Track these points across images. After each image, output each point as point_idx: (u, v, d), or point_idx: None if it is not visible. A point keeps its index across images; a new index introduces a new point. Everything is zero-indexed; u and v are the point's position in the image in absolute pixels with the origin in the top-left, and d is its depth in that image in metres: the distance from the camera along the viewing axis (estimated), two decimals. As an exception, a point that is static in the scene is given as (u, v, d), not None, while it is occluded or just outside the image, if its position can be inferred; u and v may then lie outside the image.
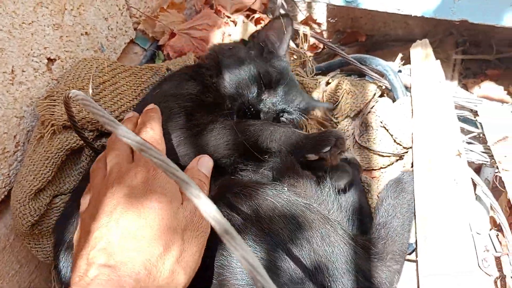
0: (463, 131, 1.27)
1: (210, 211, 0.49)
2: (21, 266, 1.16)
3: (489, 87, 1.72)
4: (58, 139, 1.07)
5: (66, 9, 1.18)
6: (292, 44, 1.63)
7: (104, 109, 1.10)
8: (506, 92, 1.70)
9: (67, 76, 1.14)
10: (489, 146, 1.14)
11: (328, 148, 0.92)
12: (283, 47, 1.26)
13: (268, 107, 1.15)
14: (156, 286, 0.63)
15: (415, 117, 1.19)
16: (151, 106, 0.94)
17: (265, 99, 1.16)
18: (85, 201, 0.83)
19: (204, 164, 0.88)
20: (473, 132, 1.25)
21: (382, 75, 1.37)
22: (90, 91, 1.05)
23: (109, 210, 0.69)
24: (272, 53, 1.25)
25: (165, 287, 0.65)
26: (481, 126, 1.21)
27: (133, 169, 0.75)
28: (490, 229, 1.13)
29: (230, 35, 1.49)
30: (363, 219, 1.05)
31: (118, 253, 0.63)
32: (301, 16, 1.91)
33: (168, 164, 0.53)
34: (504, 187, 1.04)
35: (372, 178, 1.21)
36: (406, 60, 1.48)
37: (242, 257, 0.47)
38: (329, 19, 1.97)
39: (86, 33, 1.27)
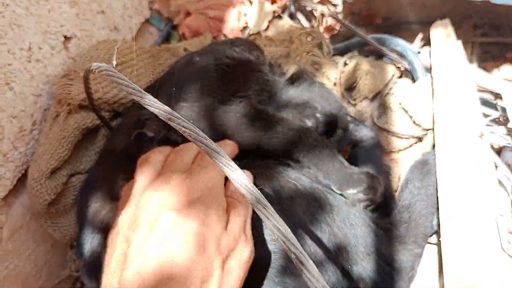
0: (483, 114, 1.25)
1: (241, 181, 0.48)
2: (37, 245, 1.16)
3: (509, 71, 1.68)
4: (74, 118, 1.06)
5: (82, -14, 1.16)
6: (307, 25, 1.61)
7: (121, 90, 1.11)
8: (526, 75, 1.66)
9: (86, 56, 1.13)
10: (511, 128, 1.12)
11: (354, 191, 0.89)
12: None
13: None
14: None
15: (436, 98, 1.17)
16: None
17: None
18: (125, 197, 0.74)
19: (228, 147, 0.87)
20: (491, 115, 1.23)
21: (401, 55, 1.34)
22: (114, 62, 1.04)
23: (151, 222, 0.61)
24: None
25: None
26: (503, 110, 1.18)
27: (187, 179, 0.67)
28: (511, 212, 1.12)
29: (246, 14, 1.47)
30: (387, 202, 1.04)
31: (152, 281, 0.55)
32: (317, -4, 1.88)
33: (197, 133, 0.52)
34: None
35: (391, 160, 1.20)
36: (425, 42, 1.45)
37: (275, 226, 0.46)
38: (346, 0, 1.93)
39: (102, 11, 1.25)
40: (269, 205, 0.47)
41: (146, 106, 0.54)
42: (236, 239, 0.66)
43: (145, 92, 0.55)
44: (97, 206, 0.90)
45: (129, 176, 0.87)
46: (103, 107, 1.09)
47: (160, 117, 0.54)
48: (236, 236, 0.66)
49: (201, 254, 0.59)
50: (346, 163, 0.92)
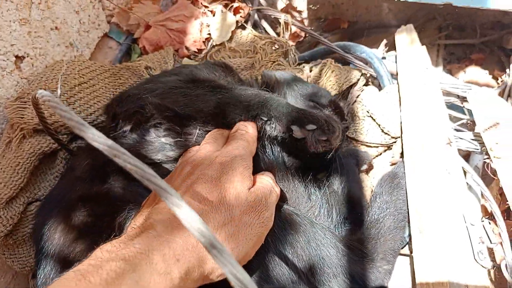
0: (451, 118, 1.24)
1: (193, 223, 0.44)
2: (-3, 276, 1.10)
3: (474, 72, 1.70)
4: (29, 143, 1.01)
5: (33, 2, 1.11)
6: (273, 33, 1.58)
7: (80, 112, 1.06)
8: (491, 76, 1.68)
9: (40, 77, 1.08)
10: (478, 132, 1.11)
11: (313, 127, 0.85)
12: None
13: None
14: (198, 255, 0.60)
15: (403, 105, 1.16)
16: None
17: None
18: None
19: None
20: (461, 119, 1.23)
21: (366, 62, 1.33)
22: (59, 91, 0.99)
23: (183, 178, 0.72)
24: None
25: (207, 261, 0.62)
26: (470, 112, 1.18)
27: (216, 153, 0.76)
28: (482, 218, 1.11)
29: (208, 25, 1.43)
30: (359, 213, 1.02)
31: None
32: (281, 4, 1.86)
33: (145, 171, 0.48)
34: (496, 175, 1.01)
35: (361, 170, 1.18)
36: (390, 47, 1.44)
37: (231, 273, 0.43)
38: (310, 6, 1.92)
39: (56, 27, 1.20)
40: (224, 249, 0.44)
41: (89, 141, 0.50)
42: (258, 199, 0.71)
43: (88, 126, 0.51)
44: (52, 235, 0.85)
45: (90, 201, 0.83)
46: (60, 130, 1.03)
47: (105, 153, 0.50)
48: (258, 196, 0.72)
49: (223, 202, 0.67)
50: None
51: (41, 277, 0.84)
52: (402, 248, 0.99)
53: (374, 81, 1.35)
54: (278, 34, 1.55)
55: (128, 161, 0.48)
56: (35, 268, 0.89)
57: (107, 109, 1.01)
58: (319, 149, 0.87)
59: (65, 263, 0.80)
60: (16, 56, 1.09)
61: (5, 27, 1.03)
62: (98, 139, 0.50)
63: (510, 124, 1.04)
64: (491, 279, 1.08)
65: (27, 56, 1.11)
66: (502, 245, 1.01)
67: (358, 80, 1.28)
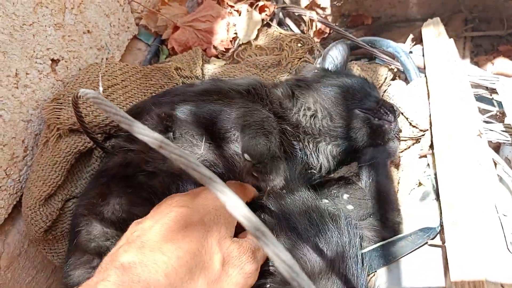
0: (480, 110, 1.23)
1: (239, 208, 0.46)
2: (37, 271, 1.14)
3: (502, 64, 1.67)
4: (65, 143, 1.05)
5: (66, 7, 1.15)
6: (297, 31, 1.59)
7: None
8: (520, 67, 1.65)
9: (76, 79, 1.13)
10: (509, 124, 1.10)
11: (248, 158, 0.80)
12: (342, 68, 1.25)
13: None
14: None
15: (431, 98, 1.16)
16: None
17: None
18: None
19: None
20: (490, 111, 1.22)
21: (393, 57, 1.33)
22: (101, 89, 1.03)
23: (159, 216, 0.69)
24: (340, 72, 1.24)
25: None
26: (500, 104, 1.17)
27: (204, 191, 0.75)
28: (515, 209, 1.10)
29: (235, 25, 1.45)
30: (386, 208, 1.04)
31: (148, 251, 0.61)
32: (305, 1, 1.87)
33: (189, 160, 0.50)
34: (526, 166, 1.01)
35: (390, 163, 1.18)
36: (416, 41, 1.44)
37: (275, 253, 0.44)
38: (334, 3, 1.92)
39: (88, 31, 1.24)
40: (268, 232, 0.46)
41: (135, 134, 0.52)
42: (242, 251, 0.70)
43: (133, 119, 0.53)
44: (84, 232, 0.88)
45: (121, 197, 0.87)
46: (94, 130, 1.07)
47: (151, 145, 0.52)
48: (243, 249, 0.70)
49: (202, 241, 0.65)
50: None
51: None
52: (433, 239, 0.99)
53: (401, 75, 1.35)
54: (302, 32, 1.56)
55: (174, 152, 0.50)
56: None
57: None
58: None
59: None
60: (52, 60, 1.12)
61: (41, 32, 1.07)
62: (143, 132, 0.53)
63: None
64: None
65: (62, 59, 1.15)
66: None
67: (386, 78, 1.29)
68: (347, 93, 1.09)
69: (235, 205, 0.45)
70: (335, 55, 1.23)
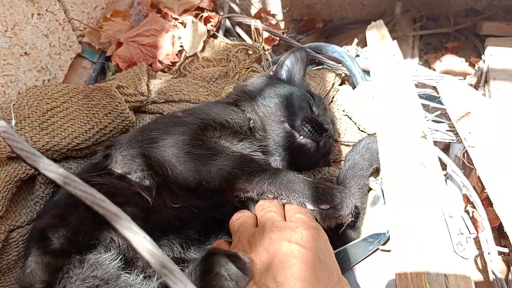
0: (428, 109, 1.24)
1: (144, 244, 0.44)
2: (-15, 306, 1.09)
3: (451, 60, 1.70)
4: (5, 172, 1.01)
5: (-1, 31, 1.11)
6: (248, 39, 1.58)
7: (54, 136, 1.06)
8: (467, 63, 1.68)
9: (12, 105, 1.08)
10: (451, 123, 1.11)
11: (327, 206, 0.86)
12: (300, 75, 1.21)
13: (325, 119, 1.09)
14: None
15: (377, 101, 1.16)
16: None
17: (319, 114, 1.11)
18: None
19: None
20: (438, 109, 1.23)
21: (339, 62, 1.33)
22: (13, 121, 0.99)
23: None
24: (293, 81, 1.20)
25: None
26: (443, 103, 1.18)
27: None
28: (465, 207, 1.12)
29: (180, 37, 1.43)
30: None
31: None
32: (254, 9, 1.86)
33: (95, 196, 0.48)
34: (473, 164, 1.02)
35: (340, 169, 1.18)
36: (363, 44, 1.45)
37: (183, 292, 0.43)
38: (284, 9, 1.92)
39: (25, 53, 1.20)
40: (175, 268, 0.44)
41: (41, 171, 0.50)
42: None
43: (41, 155, 0.51)
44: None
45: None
46: (35, 156, 1.03)
47: (56, 181, 0.50)
48: None
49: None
50: (314, 180, 0.91)
51: None
52: (384, 244, 0.99)
53: (350, 79, 1.36)
54: (254, 40, 1.55)
55: (79, 188, 0.48)
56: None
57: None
58: (329, 223, 0.89)
59: None
60: (-14, 85, 1.08)
61: (-28, 58, 1.03)
62: (49, 168, 0.50)
63: (481, 112, 1.04)
64: (478, 268, 1.09)
65: (-2, 85, 1.11)
66: (484, 233, 1.01)
67: (333, 84, 1.29)
68: (281, 105, 1.07)
69: (141, 241, 0.44)
70: (291, 63, 1.21)
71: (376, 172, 1.11)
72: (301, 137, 1.02)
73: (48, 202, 1.05)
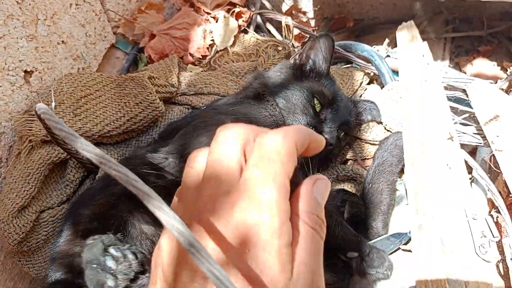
0: (456, 111, 1.23)
1: (173, 223, 0.46)
2: (15, 283, 1.14)
3: (482, 64, 1.68)
4: (38, 154, 1.05)
5: (39, 19, 1.15)
6: (278, 36, 1.60)
7: (86, 122, 1.10)
8: (499, 67, 1.66)
9: (49, 90, 1.12)
10: (479, 126, 1.10)
11: (356, 254, 0.88)
12: (326, 65, 1.18)
13: (330, 126, 1.09)
14: None
15: (404, 102, 1.16)
16: None
17: (326, 118, 1.10)
18: None
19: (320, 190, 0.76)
20: (467, 112, 1.22)
21: (368, 61, 1.33)
22: (53, 104, 1.03)
23: None
24: (320, 73, 1.18)
25: None
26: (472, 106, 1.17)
27: None
28: (490, 212, 1.11)
29: (211, 31, 1.45)
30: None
31: None
32: (285, 6, 1.87)
33: (128, 176, 0.50)
34: (499, 168, 1.01)
35: (366, 167, 1.18)
36: (393, 44, 1.44)
37: (209, 270, 0.44)
38: (315, 7, 1.93)
39: (62, 41, 1.24)
40: (203, 248, 0.45)
41: (79, 150, 0.52)
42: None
43: (78, 135, 0.54)
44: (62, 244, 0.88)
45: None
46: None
47: (93, 161, 0.52)
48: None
49: None
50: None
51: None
52: (406, 244, 0.99)
53: (378, 79, 1.36)
54: (284, 37, 1.56)
55: (113, 168, 0.50)
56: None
57: None
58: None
59: None
60: (25, 71, 1.13)
61: (12, 44, 1.07)
62: (86, 148, 0.53)
63: (510, 116, 1.03)
64: (499, 273, 1.07)
65: (36, 71, 1.16)
66: (508, 238, 1.00)
67: (361, 83, 1.29)
68: (292, 107, 1.08)
69: (171, 220, 0.46)
70: (314, 53, 1.19)
71: (402, 171, 1.11)
72: None
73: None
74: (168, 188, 0.87)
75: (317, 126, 1.06)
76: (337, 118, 1.11)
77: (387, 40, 1.41)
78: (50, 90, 1.10)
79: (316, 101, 1.09)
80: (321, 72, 1.18)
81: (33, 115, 1.06)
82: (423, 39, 1.34)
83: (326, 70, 1.18)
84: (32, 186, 1.03)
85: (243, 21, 1.51)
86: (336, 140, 1.09)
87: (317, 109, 1.09)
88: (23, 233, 1.01)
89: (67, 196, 1.13)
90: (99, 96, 1.15)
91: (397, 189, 1.11)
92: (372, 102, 1.23)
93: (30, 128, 1.04)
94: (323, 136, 1.02)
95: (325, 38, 1.18)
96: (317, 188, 0.53)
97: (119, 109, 1.15)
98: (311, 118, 1.07)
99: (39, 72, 1.17)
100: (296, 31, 1.56)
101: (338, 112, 1.12)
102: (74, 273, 0.81)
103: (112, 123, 1.12)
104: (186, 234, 0.45)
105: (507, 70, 1.62)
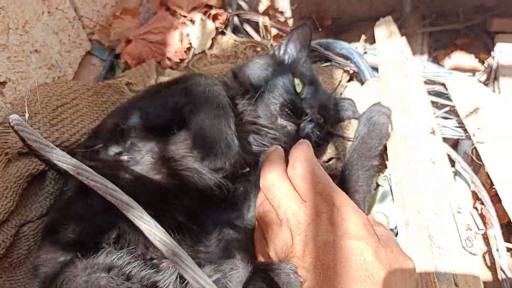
0: (437, 105, 1.24)
1: (155, 233, 0.45)
2: (-3, 301, 1.10)
3: (460, 57, 1.69)
4: (15, 167, 1.02)
5: (10, 28, 1.11)
6: (257, 37, 1.59)
7: (63, 132, 1.07)
8: (477, 60, 1.67)
9: (23, 101, 1.09)
10: (460, 119, 1.11)
11: None
12: (305, 52, 1.21)
13: (309, 103, 1.09)
14: None
15: (385, 98, 1.16)
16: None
17: (306, 97, 1.10)
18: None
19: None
20: (447, 106, 1.22)
21: (347, 58, 1.33)
22: (27, 115, 1.00)
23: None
24: (299, 59, 1.20)
25: None
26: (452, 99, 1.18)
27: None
28: (474, 204, 1.11)
29: (188, 34, 1.43)
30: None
31: None
32: (262, 6, 1.86)
33: (107, 186, 0.48)
34: (481, 160, 1.01)
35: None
36: (371, 40, 1.44)
37: (193, 278, 0.43)
38: (292, 6, 1.92)
39: (36, 50, 1.21)
40: (185, 256, 0.44)
41: (55, 161, 0.51)
42: (395, 251, 0.64)
43: (53, 146, 0.52)
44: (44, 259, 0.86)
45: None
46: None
47: (70, 172, 0.50)
48: (394, 249, 0.64)
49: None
50: None
51: None
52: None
53: (358, 76, 1.35)
54: (262, 37, 1.55)
55: (91, 178, 0.48)
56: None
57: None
58: None
59: None
60: (-2, 82, 1.10)
61: (-17, 55, 1.04)
62: (62, 159, 0.51)
63: (490, 108, 1.04)
64: (486, 265, 1.08)
65: (9, 81, 1.12)
66: (493, 229, 1.01)
67: (341, 81, 1.29)
68: (272, 89, 1.08)
69: (152, 230, 0.44)
70: (292, 43, 1.22)
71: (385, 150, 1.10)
72: (282, 119, 1.03)
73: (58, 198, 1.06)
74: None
75: (298, 103, 1.06)
76: (317, 98, 1.12)
77: (364, 37, 1.41)
78: (24, 101, 1.07)
79: (297, 81, 1.09)
80: (301, 59, 1.19)
81: (8, 127, 1.03)
82: (402, 35, 1.34)
83: (305, 56, 1.20)
84: (10, 200, 1.00)
85: (220, 23, 1.49)
86: (317, 125, 1.08)
87: (298, 90, 1.09)
88: (3, 249, 0.98)
89: (47, 208, 1.09)
90: (76, 105, 1.12)
91: (381, 185, 1.10)
92: (350, 99, 1.23)
93: (6, 140, 1.01)
94: (305, 111, 1.04)
95: (302, 28, 1.21)
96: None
97: (97, 117, 1.12)
98: (293, 96, 1.07)
99: (13, 83, 1.14)
100: (274, 31, 1.55)
101: (318, 93, 1.13)
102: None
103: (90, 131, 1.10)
104: (169, 243, 0.44)
105: (484, 63, 1.64)
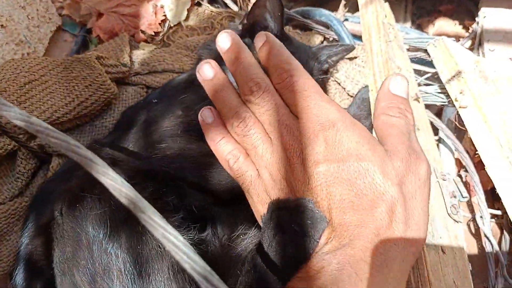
0: (421, 73, 1.21)
1: (121, 189, 0.41)
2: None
3: (444, 24, 1.66)
4: (-17, 147, 0.97)
5: (-29, 2, 1.06)
6: (234, 7, 1.54)
7: (32, 110, 1.02)
8: (461, 26, 1.65)
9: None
10: (442, 85, 1.09)
11: None
12: (277, 25, 1.06)
13: None
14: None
15: (367, 66, 1.13)
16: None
17: None
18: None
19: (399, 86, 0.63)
20: (429, 73, 1.20)
21: (327, 26, 1.30)
22: None
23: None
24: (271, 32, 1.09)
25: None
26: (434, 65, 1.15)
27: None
28: (458, 171, 1.10)
29: (162, 6, 1.38)
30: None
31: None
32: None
33: (69, 142, 0.44)
34: (465, 126, 0.99)
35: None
36: (357, 8, 1.41)
37: (163, 236, 0.39)
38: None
39: (2, 26, 1.15)
40: (156, 213, 0.41)
41: (11, 119, 0.46)
42: (405, 159, 0.55)
43: (10, 104, 0.47)
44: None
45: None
46: (14, 131, 0.99)
47: (28, 129, 0.46)
48: (403, 157, 0.55)
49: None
50: None
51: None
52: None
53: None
54: (240, 8, 1.50)
55: (51, 135, 0.44)
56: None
57: None
58: None
59: None
60: (-39, 60, 1.04)
61: None
62: (19, 117, 0.47)
63: (472, 72, 1.01)
64: (471, 232, 1.07)
65: (-26, 58, 1.07)
66: (477, 197, 1.00)
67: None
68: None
69: (117, 187, 0.41)
70: (261, 14, 1.04)
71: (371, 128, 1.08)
72: None
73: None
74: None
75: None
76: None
77: (343, 2, 1.38)
78: (12, 73, 1.02)
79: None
80: (272, 32, 1.05)
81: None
82: (384, 1, 1.30)
83: (277, 29, 1.08)
84: (-23, 181, 0.96)
85: (195, -7, 1.44)
86: None
87: None
88: (-28, 233, 0.94)
89: (19, 189, 1.05)
90: (45, 82, 1.07)
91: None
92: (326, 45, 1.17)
93: (-30, 122, 0.96)
94: None
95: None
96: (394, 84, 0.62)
97: (68, 93, 1.07)
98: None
99: (-22, 60, 1.08)
100: (253, 1, 1.50)
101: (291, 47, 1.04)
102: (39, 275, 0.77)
103: (61, 109, 1.05)
104: (136, 200, 0.40)
105: (469, 29, 1.61)
